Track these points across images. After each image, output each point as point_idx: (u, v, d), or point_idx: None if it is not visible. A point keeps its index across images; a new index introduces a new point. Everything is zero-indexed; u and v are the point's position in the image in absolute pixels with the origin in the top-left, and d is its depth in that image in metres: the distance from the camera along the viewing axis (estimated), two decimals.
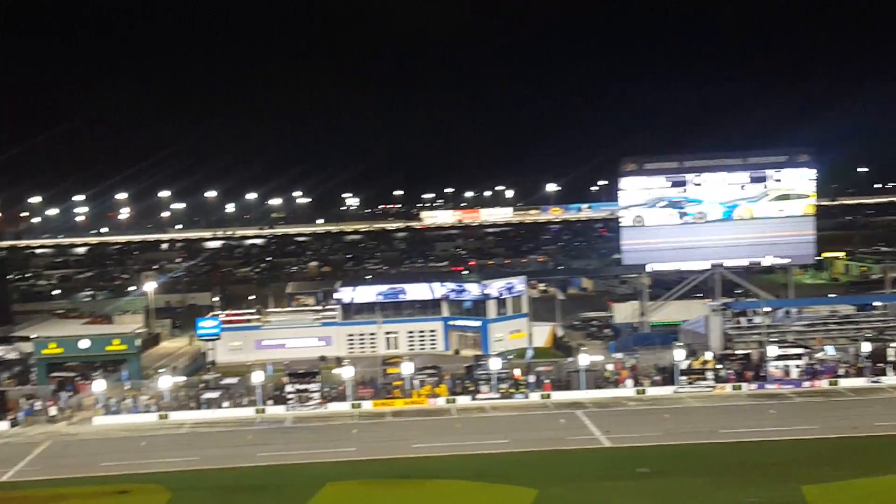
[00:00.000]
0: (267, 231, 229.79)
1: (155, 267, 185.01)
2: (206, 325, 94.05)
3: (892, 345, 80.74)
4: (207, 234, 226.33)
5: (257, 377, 77.63)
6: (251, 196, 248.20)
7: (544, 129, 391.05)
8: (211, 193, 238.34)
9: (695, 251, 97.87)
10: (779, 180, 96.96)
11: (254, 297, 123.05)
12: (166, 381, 78.96)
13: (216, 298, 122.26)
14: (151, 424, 74.89)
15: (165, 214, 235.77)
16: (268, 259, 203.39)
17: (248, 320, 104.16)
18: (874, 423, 66.05)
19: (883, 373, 78.73)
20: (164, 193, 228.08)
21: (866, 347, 79.80)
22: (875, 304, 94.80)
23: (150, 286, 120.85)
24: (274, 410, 76.73)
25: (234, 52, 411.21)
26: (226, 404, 77.44)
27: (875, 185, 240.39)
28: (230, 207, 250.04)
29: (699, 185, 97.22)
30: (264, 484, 57.65)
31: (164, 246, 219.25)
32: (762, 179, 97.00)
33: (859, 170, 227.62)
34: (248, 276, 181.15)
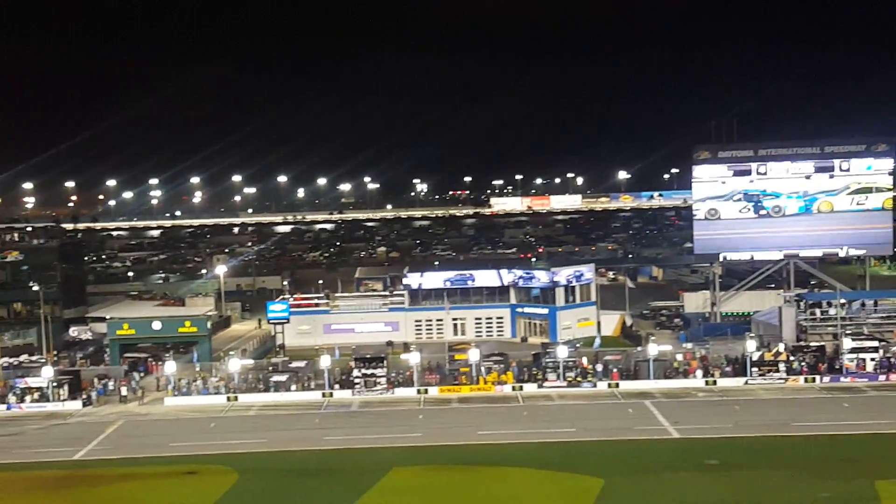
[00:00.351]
0: (336, 216, 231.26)
1: (226, 250, 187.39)
2: (276, 308, 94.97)
3: None
4: (278, 219, 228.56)
5: (325, 361, 78.09)
6: (321, 181, 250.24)
7: (616, 116, 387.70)
8: (282, 178, 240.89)
9: (769, 241, 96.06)
10: (847, 169, 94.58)
11: (322, 281, 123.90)
12: (236, 364, 79.78)
13: (286, 282, 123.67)
14: (220, 406, 75.82)
15: (237, 199, 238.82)
16: (337, 244, 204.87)
17: (317, 304, 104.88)
18: None
19: None
20: (236, 178, 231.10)
21: None
22: None
23: (221, 269, 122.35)
24: (341, 395, 77.13)
25: (305, 37, 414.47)
26: (294, 387, 78.02)
27: None
28: (300, 192, 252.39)
29: (764, 173, 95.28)
30: (330, 467, 57.95)
31: (236, 230, 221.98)
32: (831, 168, 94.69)
33: None
34: (317, 261, 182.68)
